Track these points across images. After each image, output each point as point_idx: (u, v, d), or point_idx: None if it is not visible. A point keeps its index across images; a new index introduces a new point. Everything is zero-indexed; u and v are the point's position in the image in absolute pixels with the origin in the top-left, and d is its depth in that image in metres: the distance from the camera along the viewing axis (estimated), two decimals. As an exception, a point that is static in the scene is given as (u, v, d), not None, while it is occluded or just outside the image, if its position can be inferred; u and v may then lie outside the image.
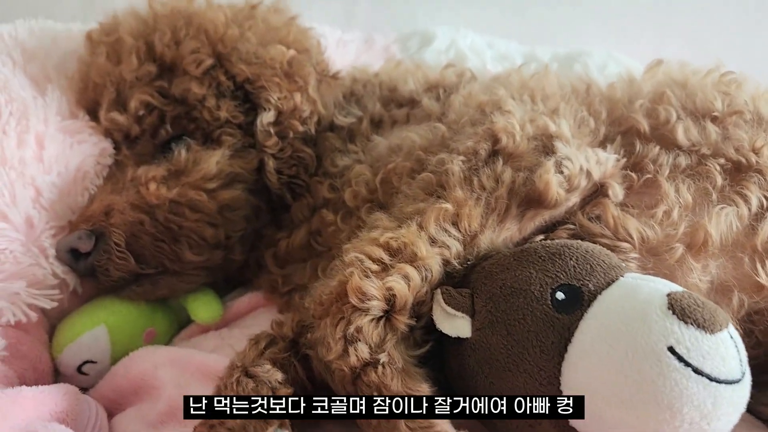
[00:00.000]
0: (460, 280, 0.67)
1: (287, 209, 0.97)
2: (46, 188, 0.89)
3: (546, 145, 0.71)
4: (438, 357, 0.67)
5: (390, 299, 0.62)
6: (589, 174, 0.70)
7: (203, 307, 0.94)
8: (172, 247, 0.89)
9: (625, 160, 0.75)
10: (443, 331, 0.64)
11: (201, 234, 0.90)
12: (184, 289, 0.94)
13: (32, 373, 0.82)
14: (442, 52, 1.41)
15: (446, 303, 0.64)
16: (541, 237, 0.71)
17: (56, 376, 0.87)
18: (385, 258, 0.64)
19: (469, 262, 0.68)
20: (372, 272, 0.63)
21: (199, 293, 0.95)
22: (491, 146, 0.71)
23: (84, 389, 0.83)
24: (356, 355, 0.60)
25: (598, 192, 0.73)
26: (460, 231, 0.66)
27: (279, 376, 0.66)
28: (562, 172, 0.68)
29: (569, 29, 1.69)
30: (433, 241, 0.65)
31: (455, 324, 0.63)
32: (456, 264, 0.66)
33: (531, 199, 0.68)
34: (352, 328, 0.60)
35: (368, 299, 0.61)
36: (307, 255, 0.93)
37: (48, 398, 0.72)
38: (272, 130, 0.93)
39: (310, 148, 0.96)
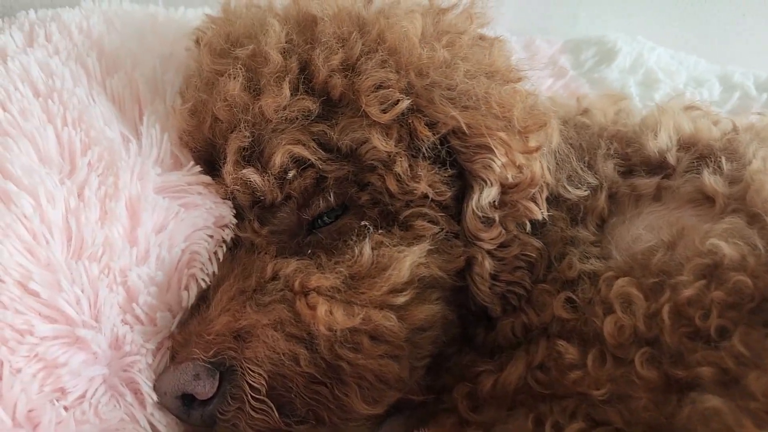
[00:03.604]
0: None
1: (484, 321, 0.66)
2: (143, 286, 0.57)
3: None
4: None
5: None
6: None
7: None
8: (336, 392, 0.57)
9: None
10: None
11: (380, 373, 0.57)
12: (338, 442, 0.62)
13: None
14: (626, 71, 1.08)
15: None
16: None
17: None
18: None
19: None
20: None
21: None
22: None
23: None
24: None
25: None
26: None
27: None
28: None
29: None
30: None
31: None
32: None
33: None
34: None
35: None
36: (521, 399, 0.62)
37: None
38: (496, 216, 0.60)
39: (538, 239, 0.63)
